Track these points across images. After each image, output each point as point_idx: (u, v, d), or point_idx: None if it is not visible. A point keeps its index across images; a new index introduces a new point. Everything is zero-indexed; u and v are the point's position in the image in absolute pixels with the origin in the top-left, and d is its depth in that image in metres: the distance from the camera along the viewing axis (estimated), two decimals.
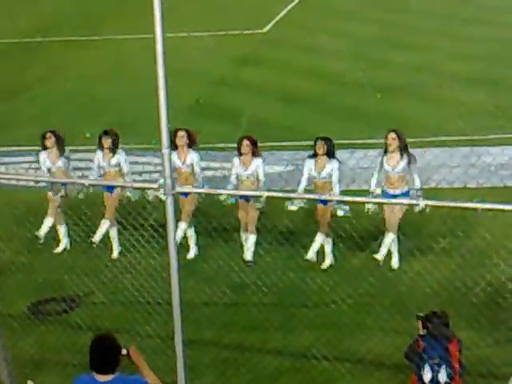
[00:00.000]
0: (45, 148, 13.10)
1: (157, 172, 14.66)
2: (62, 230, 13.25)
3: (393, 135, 12.01)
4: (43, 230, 13.02)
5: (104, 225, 12.88)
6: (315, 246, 12.28)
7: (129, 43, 26.12)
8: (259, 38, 26.72)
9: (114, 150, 12.89)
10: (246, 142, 12.46)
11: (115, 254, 12.92)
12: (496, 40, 24.16)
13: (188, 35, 26.28)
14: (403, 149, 11.98)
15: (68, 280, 11.77)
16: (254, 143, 12.48)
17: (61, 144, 13.10)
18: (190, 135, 12.68)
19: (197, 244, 12.88)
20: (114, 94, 21.08)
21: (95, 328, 10.32)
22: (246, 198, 12.36)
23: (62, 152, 13.06)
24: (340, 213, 12.02)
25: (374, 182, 12.13)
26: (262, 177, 12.42)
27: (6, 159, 16.93)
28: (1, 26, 29.36)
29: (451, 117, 17.69)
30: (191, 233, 12.84)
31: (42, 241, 13.01)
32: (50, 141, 13.02)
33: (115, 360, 6.37)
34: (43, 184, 13.37)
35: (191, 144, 12.69)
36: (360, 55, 23.60)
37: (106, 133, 12.97)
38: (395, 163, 11.97)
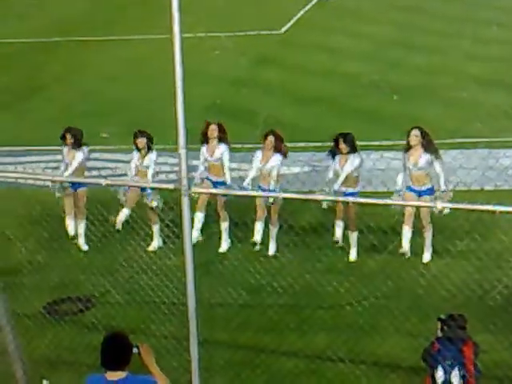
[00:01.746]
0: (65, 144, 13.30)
1: (173, 172, 14.67)
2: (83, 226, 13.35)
3: (416, 132, 12.11)
4: (72, 231, 13.31)
5: (155, 228, 13.13)
6: (353, 245, 12.41)
7: (146, 43, 26.15)
8: (277, 38, 26.70)
9: (148, 150, 12.98)
10: (270, 139, 12.64)
11: (156, 245, 13.07)
12: None
13: (205, 36, 26.29)
14: (427, 146, 12.02)
15: (84, 280, 11.80)
16: (279, 139, 12.63)
17: (78, 140, 13.16)
18: (221, 129, 12.80)
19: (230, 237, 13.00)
20: (130, 94, 21.11)
21: (110, 328, 10.29)
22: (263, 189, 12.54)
23: (77, 147, 13.16)
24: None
25: (400, 180, 12.16)
26: (274, 175, 12.56)
27: (23, 159, 16.97)
28: (18, 25, 29.48)
29: (469, 119, 17.62)
30: (226, 225, 12.99)
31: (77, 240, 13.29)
32: (70, 141, 13.13)
33: (126, 358, 6.36)
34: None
35: (222, 138, 12.78)
36: (377, 57, 23.54)
37: (140, 133, 13.02)
38: (417, 159, 12.01)
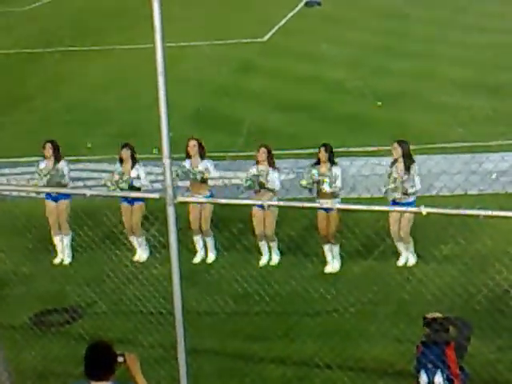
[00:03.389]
0: (44, 157, 13.17)
1: (158, 182, 14.67)
2: (65, 241, 13.28)
3: (394, 145, 12.24)
4: (60, 255, 13.19)
5: (134, 241, 13.09)
6: (329, 259, 12.35)
7: (129, 53, 26.16)
8: (259, 46, 26.76)
9: (133, 162, 12.95)
10: (262, 150, 12.64)
11: (144, 257, 12.99)
12: (495, 46, 24.19)
13: (188, 44, 26.33)
14: (407, 157, 12.10)
15: (70, 291, 11.77)
16: (270, 152, 12.63)
17: (58, 153, 13.12)
18: (201, 144, 12.89)
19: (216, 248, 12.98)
20: (114, 104, 21.10)
21: (98, 338, 10.29)
22: (261, 206, 12.47)
23: (58, 160, 13.10)
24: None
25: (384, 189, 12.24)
26: (277, 186, 12.50)
27: (7, 170, 16.92)
28: (1, 37, 29.41)
29: (451, 123, 17.70)
30: (210, 240, 13.01)
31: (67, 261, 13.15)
32: (50, 151, 13.06)
33: (110, 367, 6.30)
34: (43, 195, 13.34)
35: (201, 154, 12.87)
36: (360, 63, 23.63)
37: (125, 145, 13.04)
38: (402, 170, 12.06)
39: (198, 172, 12.76)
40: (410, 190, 11.96)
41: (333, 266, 12.36)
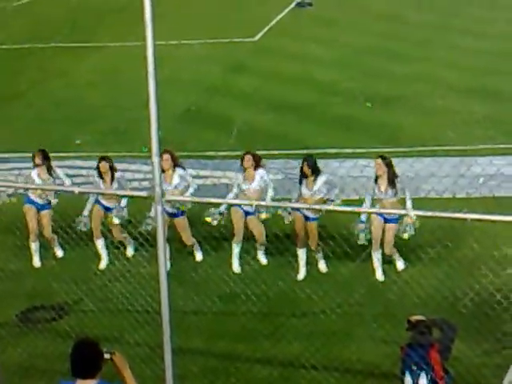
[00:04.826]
0: (35, 165, 13.00)
1: (146, 180, 14.67)
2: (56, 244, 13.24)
3: (378, 160, 12.05)
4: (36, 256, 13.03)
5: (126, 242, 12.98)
6: (302, 265, 12.33)
7: (122, 51, 26.12)
8: (250, 46, 26.77)
9: (112, 176, 12.68)
10: (247, 157, 12.47)
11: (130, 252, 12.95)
12: (489, 51, 24.25)
13: (179, 43, 26.31)
14: (392, 174, 11.98)
15: (57, 288, 11.75)
16: (256, 158, 12.50)
17: (48, 161, 13.02)
18: (173, 156, 12.52)
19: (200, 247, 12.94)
20: (105, 101, 21.07)
21: (84, 336, 10.27)
22: (246, 212, 12.43)
23: (49, 169, 13.00)
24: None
25: (364, 206, 12.13)
26: (270, 186, 12.46)
27: None
28: None
29: (441, 127, 17.75)
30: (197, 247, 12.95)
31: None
32: (39, 161, 12.90)
33: (96, 365, 6.29)
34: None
35: (176, 164, 12.57)
36: (352, 64, 23.66)
37: (102, 158, 12.79)
38: (386, 188, 11.98)
39: (174, 187, 12.42)
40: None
41: (305, 272, 12.32)
